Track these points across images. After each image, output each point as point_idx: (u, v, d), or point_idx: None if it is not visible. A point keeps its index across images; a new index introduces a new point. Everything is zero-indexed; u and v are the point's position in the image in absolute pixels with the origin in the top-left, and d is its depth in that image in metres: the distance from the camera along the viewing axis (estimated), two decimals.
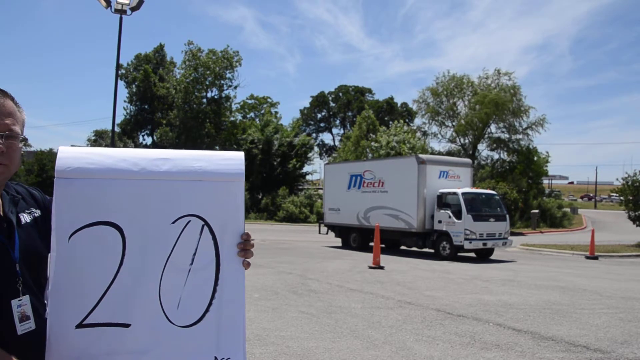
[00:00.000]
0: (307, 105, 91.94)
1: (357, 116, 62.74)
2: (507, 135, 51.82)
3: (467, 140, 54.25)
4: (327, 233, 24.68)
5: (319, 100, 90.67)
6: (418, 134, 53.67)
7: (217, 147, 50.39)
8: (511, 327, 7.57)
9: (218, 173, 1.85)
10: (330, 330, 7.14)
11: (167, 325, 1.78)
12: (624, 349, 6.42)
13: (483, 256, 19.36)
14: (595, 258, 19.92)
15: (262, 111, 64.27)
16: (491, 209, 19.54)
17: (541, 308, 9.15)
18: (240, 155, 1.93)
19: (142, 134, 60.15)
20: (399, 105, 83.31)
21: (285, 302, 9.19)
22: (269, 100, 72.29)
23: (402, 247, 21.76)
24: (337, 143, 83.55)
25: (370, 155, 50.76)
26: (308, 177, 60.50)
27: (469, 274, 14.19)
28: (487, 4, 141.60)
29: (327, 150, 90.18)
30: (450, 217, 18.67)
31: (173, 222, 1.80)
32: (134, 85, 57.24)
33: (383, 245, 21.95)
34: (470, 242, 18.29)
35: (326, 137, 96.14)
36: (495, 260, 18.66)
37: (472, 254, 19.65)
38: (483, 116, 49.87)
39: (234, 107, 56.02)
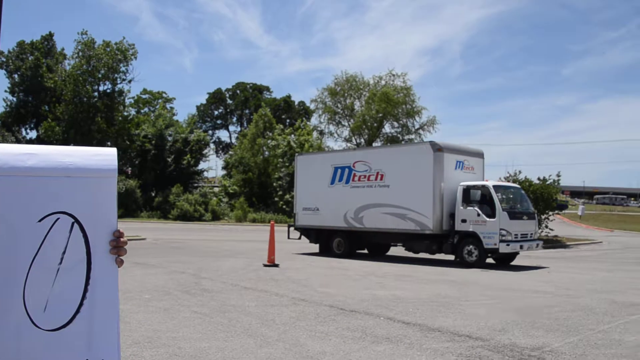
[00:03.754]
0: (204, 101, 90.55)
1: (254, 114, 62.63)
2: (400, 135, 53.71)
3: (362, 140, 55.62)
4: (299, 238, 20.50)
5: (216, 97, 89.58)
6: (315, 133, 54.44)
7: (109, 143, 48.53)
8: (401, 320, 7.82)
9: (89, 169, 1.78)
10: (223, 330, 7.05)
11: (32, 329, 1.67)
12: (501, 336, 6.83)
13: (504, 262, 16.66)
14: None
15: (157, 106, 62.48)
16: (522, 205, 16.98)
17: (430, 301, 9.54)
18: (113, 151, 1.87)
19: (25, 127, 56.52)
20: (296, 103, 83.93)
21: (177, 303, 8.97)
22: (164, 95, 70.45)
23: (398, 253, 18.64)
24: (233, 140, 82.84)
25: (267, 153, 50.86)
26: (204, 175, 59.64)
27: (365, 270, 14.53)
28: (385, 7, 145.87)
29: (223, 147, 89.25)
30: (479, 215, 15.70)
31: (40, 220, 1.70)
32: (16, 75, 53.63)
33: (365, 251, 19.53)
34: (508, 245, 15.36)
35: (223, 135, 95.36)
36: (393, 257, 19.16)
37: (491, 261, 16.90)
38: (376, 113, 51.34)
39: (127, 101, 54.07)
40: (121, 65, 48.78)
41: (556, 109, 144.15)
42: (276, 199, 48.98)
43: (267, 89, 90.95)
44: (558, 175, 26.79)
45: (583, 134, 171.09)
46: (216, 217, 46.92)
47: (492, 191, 15.75)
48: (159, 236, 24.84)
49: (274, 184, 50.01)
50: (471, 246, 15.79)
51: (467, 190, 16.09)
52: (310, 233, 19.94)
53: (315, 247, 19.97)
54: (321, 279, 12.49)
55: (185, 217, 44.45)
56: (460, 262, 15.97)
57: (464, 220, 15.97)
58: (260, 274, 12.91)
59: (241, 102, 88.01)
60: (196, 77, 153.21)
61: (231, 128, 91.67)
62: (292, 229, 20.61)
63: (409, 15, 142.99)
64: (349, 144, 56.06)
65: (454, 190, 16.29)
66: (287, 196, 48.04)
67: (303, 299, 9.57)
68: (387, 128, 54.77)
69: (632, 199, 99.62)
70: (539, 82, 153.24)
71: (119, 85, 49.95)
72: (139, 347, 6.08)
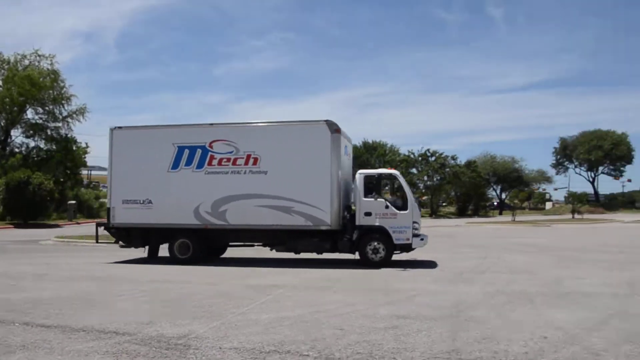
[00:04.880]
0: None
1: None
2: (46, 122, 49.55)
3: None
4: (117, 242, 15.85)
5: None
6: None
7: None
8: (40, 324, 7.22)
9: None
10: None
11: None
12: (149, 329, 6.87)
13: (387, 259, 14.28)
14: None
15: None
16: (412, 196, 14.84)
17: (73, 300, 9.05)
18: None
19: None
20: None
21: None
22: None
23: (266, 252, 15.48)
24: None
25: None
26: None
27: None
28: None
29: None
30: (388, 207, 13.88)
31: None
32: None
33: (223, 255, 16.44)
34: (422, 239, 14.00)
35: None
36: (38, 255, 17.55)
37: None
38: (18, 97, 46.33)
39: None
40: None
41: (206, 106, 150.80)
42: None
43: None
44: None
45: None
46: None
47: (402, 180, 14.40)
48: None
49: None
50: (377, 243, 13.98)
51: (375, 179, 14.26)
52: (133, 234, 15.39)
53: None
54: None
55: None
56: (363, 262, 14.03)
57: (368, 214, 14.00)
58: None
59: None
60: None
61: None
62: (102, 228, 15.88)
63: None
64: None
65: (350, 179, 14.68)
66: None
67: None
68: (30, 114, 49.92)
69: None
70: (191, 79, 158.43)
71: None
72: None
